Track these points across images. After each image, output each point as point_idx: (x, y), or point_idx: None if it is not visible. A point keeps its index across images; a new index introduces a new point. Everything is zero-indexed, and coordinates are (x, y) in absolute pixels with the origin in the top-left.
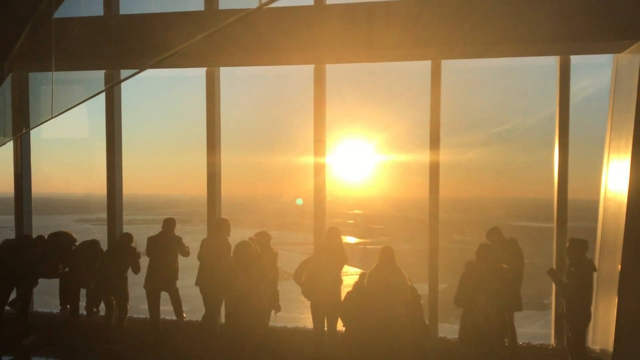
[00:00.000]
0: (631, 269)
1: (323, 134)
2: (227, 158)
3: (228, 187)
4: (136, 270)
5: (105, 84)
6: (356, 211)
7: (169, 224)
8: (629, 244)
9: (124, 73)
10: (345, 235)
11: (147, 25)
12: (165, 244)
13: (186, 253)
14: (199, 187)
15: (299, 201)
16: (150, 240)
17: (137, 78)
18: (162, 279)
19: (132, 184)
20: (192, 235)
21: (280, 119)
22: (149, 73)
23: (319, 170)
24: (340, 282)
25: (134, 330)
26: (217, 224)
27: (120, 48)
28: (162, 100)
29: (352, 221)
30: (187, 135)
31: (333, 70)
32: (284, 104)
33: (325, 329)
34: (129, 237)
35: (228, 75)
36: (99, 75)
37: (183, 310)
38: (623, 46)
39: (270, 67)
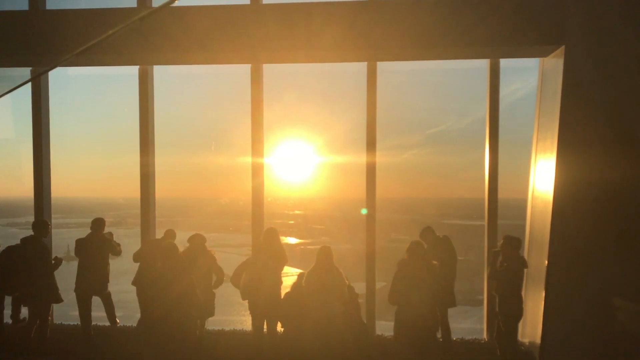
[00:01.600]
0: (557, 265)
1: (261, 134)
2: (162, 159)
3: (163, 189)
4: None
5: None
6: (297, 212)
7: (97, 224)
8: (555, 241)
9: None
10: (286, 236)
11: (72, 20)
12: (95, 244)
13: (117, 252)
14: (134, 189)
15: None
16: (79, 242)
17: (68, 77)
18: (93, 282)
19: (64, 187)
20: (128, 239)
21: (218, 119)
22: (80, 71)
23: (257, 171)
24: (280, 283)
25: (63, 338)
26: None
27: (45, 44)
28: (94, 99)
29: (292, 222)
30: (121, 135)
31: (273, 70)
32: (221, 104)
33: (265, 330)
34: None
35: (162, 73)
36: (24, 73)
37: (116, 316)
38: (548, 50)
39: (207, 66)
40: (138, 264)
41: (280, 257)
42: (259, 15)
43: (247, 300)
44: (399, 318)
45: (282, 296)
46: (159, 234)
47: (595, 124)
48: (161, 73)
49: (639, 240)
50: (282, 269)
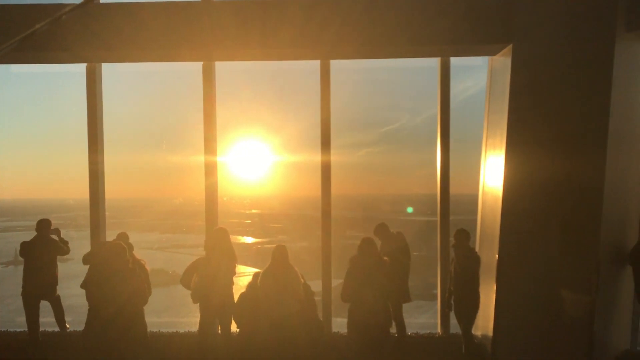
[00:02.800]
0: (507, 258)
1: (214, 132)
2: (113, 158)
3: (114, 190)
4: None
5: None
6: (253, 211)
7: (43, 225)
8: (505, 235)
9: None
10: (243, 235)
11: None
12: (41, 246)
13: (65, 251)
14: (84, 190)
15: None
16: (24, 244)
17: (10, 75)
18: (40, 285)
19: (9, 188)
20: (79, 241)
21: (170, 117)
22: (25, 69)
23: (210, 169)
24: (232, 283)
25: (9, 345)
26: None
27: None
28: (39, 98)
29: (249, 221)
30: (69, 134)
31: (227, 68)
32: (174, 102)
33: (219, 331)
34: None
35: (111, 71)
36: None
37: (66, 320)
38: (496, 49)
39: (159, 63)
40: (87, 266)
41: (232, 257)
42: (211, 12)
43: (198, 302)
44: (351, 315)
45: (238, 296)
46: (110, 235)
47: (542, 121)
48: (110, 70)
49: (582, 233)
50: (234, 269)
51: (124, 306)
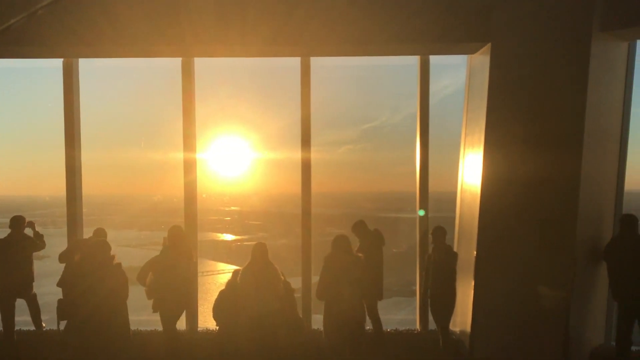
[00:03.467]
0: (485, 255)
1: (193, 129)
2: (90, 155)
3: (92, 186)
4: None
5: None
6: (233, 208)
7: (16, 222)
8: (482, 232)
9: None
10: (223, 232)
11: None
12: (16, 243)
13: (40, 246)
14: (61, 187)
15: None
16: None
17: None
18: (16, 283)
19: None
20: (56, 238)
21: (149, 114)
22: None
23: (189, 166)
24: (188, 281)
25: None
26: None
27: None
28: (14, 93)
29: (229, 218)
30: (45, 130)
31: (208, 64)
32: (153, 98)
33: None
34: None
35: (89, 66)
36: None
37: (42, 319)
38: (475, 48)
39: (138, 59)
40: (64, 264)
41: (187, 254)
42: (190, 7)
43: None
44: (327, 312)
45: (217, 294)
46: (88, 232)
47: (520, 119)
48: (88, 66)
49: (559, 230)
50: (190, 267)
51: (105, 301)
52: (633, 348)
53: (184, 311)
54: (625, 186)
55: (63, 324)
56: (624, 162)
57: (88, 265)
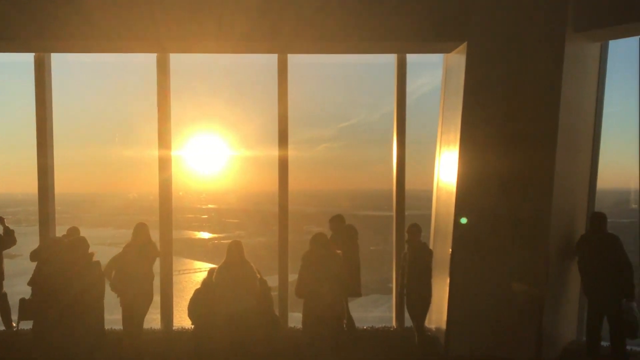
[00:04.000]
0: (460, 252)
1: (168, 126)
2: (63, 152)
3: (66, 184)
4: None
5: None
6: (210, 205)
7: None
8: (458, 229)
9: None
10: (200, 230)
11: None
12: None
13: (10, 243)
14: (33, 184)
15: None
16: None
17: None
18: None
19: None
20: (30, 237)
21: (125, 110)
22: None
23: (165, 164)
24: (151, 277)
25: None
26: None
27: None
28: None
29: (206, 216)
30: (17, 127)
31: (184, 60)
32: (129, 94)
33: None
34: None
35: (61, 61)
36: None
37: (12, 320)
38: (451, 47)
39: (112, 55)
40: (35, 263)
41: (151, 251)
42: (164, 2)
43: (118, 294)
44: (306, 309)
45: (192, 292)
46: (61, 230)
47: (495, 118)
48: (60, 61)
49: (532, 228)
50: (152, 264)
51: (79, 299)
52: (603, 343)
53: (147, 307)
54: (597, 184)
55: (24, 324)
56: (596, 161)
57: (62, 263)
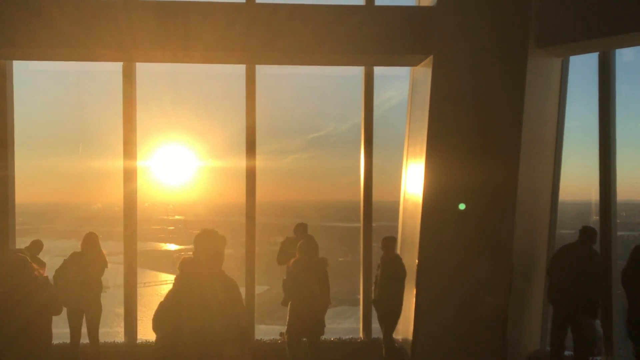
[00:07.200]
0: (426, 263)
1: (133, 136)
2: (25, 162)
3: (27, 195)
4: None
5: None
6: (177, 217)
7: None
8: (424, 240)
9: None
10: (166, 242)
11: None
12: None
13: None
14: None
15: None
16: None
17: None
18: None
19: None
20: None
21: (89, 120)
22: None
23: (129, 175)
24: (99, 287)
25: None
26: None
27: None
28: None
29: (172, 227)
30: None
31: (150, 69)
32: (94, 104)
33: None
34: None
35: (24, 69)
36: None
37: None
38: (418, 60)
39: (77, 63)
40: None
41: (100, 261)
42: (130, 10)
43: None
44: (295, 311)
45: (157, 305)
46: (23, 242)
47: (460, 130)
48: (22, 69)
49: (497, 238)
50: (102, 273)
51: (32, 321)
52: (566, 353)
53: (97, 319)
54: (560, 196)
55: None
56: (558, 173)
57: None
